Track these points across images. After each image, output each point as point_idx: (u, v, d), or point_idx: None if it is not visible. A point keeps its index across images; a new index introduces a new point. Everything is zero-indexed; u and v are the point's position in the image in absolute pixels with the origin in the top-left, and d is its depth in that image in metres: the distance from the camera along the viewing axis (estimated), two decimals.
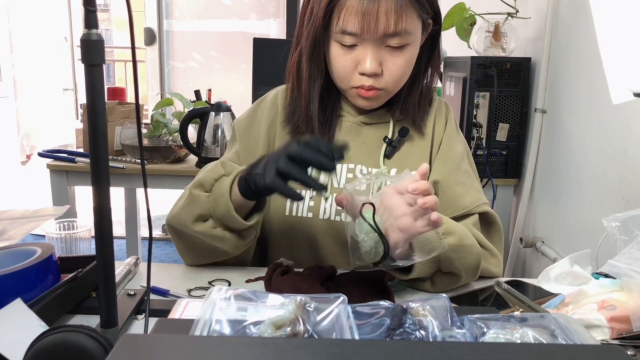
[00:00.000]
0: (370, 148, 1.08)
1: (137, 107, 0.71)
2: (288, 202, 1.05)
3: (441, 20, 1.04)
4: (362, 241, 0.83)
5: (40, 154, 2.09)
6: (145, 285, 0.76)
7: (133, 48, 0.66)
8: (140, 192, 2.80)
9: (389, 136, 1.08)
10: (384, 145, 1.07)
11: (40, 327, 0.67)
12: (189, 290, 0.92)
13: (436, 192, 1.05)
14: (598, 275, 0.85)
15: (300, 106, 1.06)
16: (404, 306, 0.57)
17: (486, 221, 1.05)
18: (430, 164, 1.08)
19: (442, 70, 2.29)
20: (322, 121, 1.06)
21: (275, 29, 3.76)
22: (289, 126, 1.08)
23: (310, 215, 1.04)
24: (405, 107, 1.07)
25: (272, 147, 1.10)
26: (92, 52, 0.63)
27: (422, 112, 1.09)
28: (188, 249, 1.02)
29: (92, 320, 0.73)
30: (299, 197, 0.85)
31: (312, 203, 1.04)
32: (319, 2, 0.95)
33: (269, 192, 0.88)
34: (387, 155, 1.07)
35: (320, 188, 0.82)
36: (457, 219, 1.01)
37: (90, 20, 0.63)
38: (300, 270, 0.96)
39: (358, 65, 0.98)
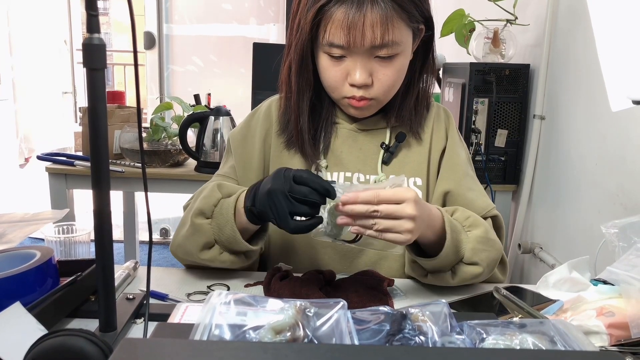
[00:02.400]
0: (367, 155, 1.07)
1: (139, 110, 0.71)
2: None
3: (433, 26, 1.03)
4: (325, 219, 0.88)
5: (39, 157, 2.09)
6: (144, 290, 0.76)
7: (135, 52, 0.66)
8: (138, 196, 2.79)
9: (386, 142, 1.08)
10: (381, 151, 1.07)
11: (39, 330, 0.66)
12: (188, 295, 0.92)
13: (447, 201, 1.06)
14: (596, 281, 0.85)
15: (291, 120, 1.06)
16: (404, 312, 0.58)
17: (496, 225, 1.06)
18: (427, 170, 1.08)
19: (440, 76, 2.30)
20: (319, 129, 1.07)
21: (275, 33, 3.77)
22: (284, 136, 1.08)
23: None
24: (401, 114, 1.07)
25: (267, 157, 1.10)
26: (94, 56, 0.64)
27: (418, 118, 1.09)
28: (198, 268, 1.04)
29: (91, 324, 0.73)
30: (319, 223, 0.86)
31: None
32: (305, 15, 0.95)
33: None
34: (385, 162, 1.07)
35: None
36: None
37: (92, 24, 0.63)
38: (299, 275, 0.96)
39: (348, 77, 0.97)
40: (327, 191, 0.83)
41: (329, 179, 1.06)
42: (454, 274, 0.95)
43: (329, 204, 0.87)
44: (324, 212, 0.90)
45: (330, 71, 0.98)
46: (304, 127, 1.04)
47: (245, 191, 0.94)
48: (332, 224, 0.90)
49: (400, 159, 1.08)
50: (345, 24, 0.90)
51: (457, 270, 0.94)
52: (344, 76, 0.98)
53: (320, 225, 0.86)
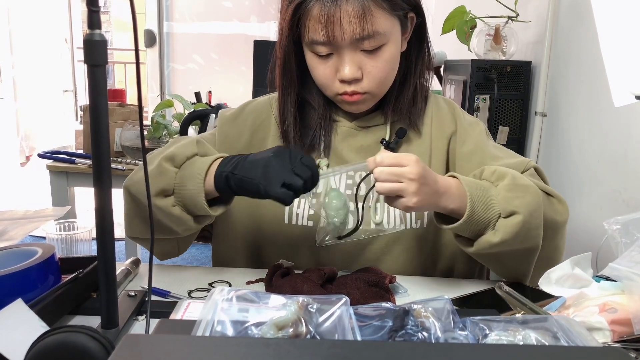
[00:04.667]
0: (368, 152, 1.06)
1: (140, 109, 0.71)
2: (287, 210, 1.05)
3: (423, 12, 1.01)
4: (331, 218, 0.92)
5: (40, 155, 2.09)
6: (146, 287, 0.76)
7: (137, 50, 0.66)
8: None
9: (386, 138, 1.06)
10: (382, 148, 1.07)
11: (41, 327, 0.66)
12: (190, 292, 0.92)
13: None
14: (599, 278, 0.85)
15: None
16: (406, 308, 0.57)
17: (539, 175, 1.03)
18: (429, 164, 1.06)
19: (442, 72, 2.30)
20: (318, 128, 1.06)
21: (275, 31, 3.76)
22: (280, 134, 1.07)
23: (310, 224, 1.03)
24: (398, 107, 1.05)
25: (255, 146, 1.08)
26: (95, 52, 0.63)
27: (417, 110, 1.07)
28: (137, 217, 0.98)
29: (93, 321, 0.73)
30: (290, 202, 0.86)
31: (311, 212, 1.03)
32: (283, 16, 0.94)
33: (258, 197, 0.87)
34: None
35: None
36: None
37: (93, 20, 0.63)
38: (301, 272, 0.95)
39: (337, 73, 0.96)
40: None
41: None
42: (495, 232, 0.90)
43: (326, 198, 0.88)
44: (322, 214, 0.93)
45: (319, 69, 0.98)
46: (289, 129, 1.04)
47: (222, 157, 0.92)
48: (332, 221, 0.91)
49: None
50: (322, 19, 0.90)
51: (497, 226, 0.89)
52: (334, 73, 0.97)
53: (322, 227, 0.89)
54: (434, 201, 0.88)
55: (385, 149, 1.05)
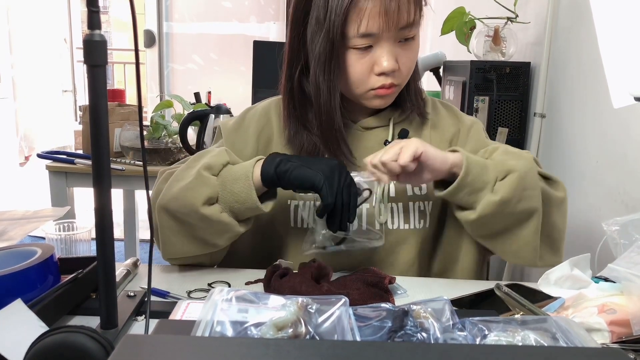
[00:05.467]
0: (372, 153, 1.07)
1: (140, 109, 0.71)
2: (292, 213, 1.05)
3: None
4: (319, 231, 0.95)
5: (39, 155, 2.09)
6: (145, 287, 0.76)
7: (136, 50, 0.66)
8: (138, 194, 2.79)
9: (389, 140, 1.07)
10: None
11: (40, 327, 0.66)
12: (189, 292, 0.92)
13: None
14: (598, 279, 0.85)
15: (317, 125, 1.03)
16: (406, 308, 0.58)
17: (538, 166, 1.05)
18: None
19: (441, 74, 2.30)
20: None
21: (275, 31, 3.77)
22: (292, 147, 1.06)
23: None
24: (409, 99, 1.08)
25: (261, 154, 1.07)
26: (95, 52, 0.63)
27: (421, 101, 1.10)
28: (179, 235, 0.97)
29: (92, 322, 0.73)
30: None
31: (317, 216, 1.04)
32: (333, 10, 0.93)
33: (307, 190, 0.93)
34: None
35: (343, 229, 0.93)
36: None
37: (93, 20, 0.63)
38: (296, 271, 0.96)
39: (375, 66, 0.97)
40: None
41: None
42: (495, 192, 0.93)
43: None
44: (315, 227, 0.95)
45: (357, 66, 0.98)
46: (339, 127, 1.02)
47: (261, 158, 0.96)
48: (323, 234, 0.94)
49: None
50: (381, 10, 0.92)
51: (496, 188, 0.94)
52: (370, 68, 0.98)
53: (315, 239, 0.95)
54: (438, 152, 0.93)
55: None
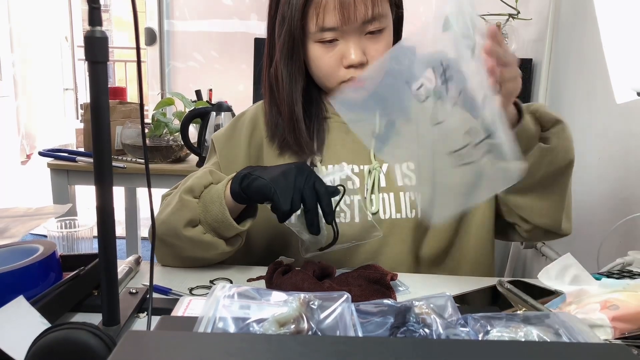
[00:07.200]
0: (360, 146, 1.07)
1: (141, 106, 0.71)
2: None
3: (402, 4, 1.05)
4: (304, 234, 0.93)
5: (41, 153, 2.09)
6: (147, 284, 0.76)
7: (138, 48, 0.66)
8: (140, 191, 2.79)
9: (377, 131, 1.07)
10: (374, 141, 1.07)
11: (42, 324, 0.66)
12: (191, 289, 0.92)
13: None
14: (599, 275, 0.85)
15: (283, 117, 1.06)
16: (408, 304, 0.57)
17: None
18: (419, 153, 1.07)
19: None
20: (309, 126, 1.06)
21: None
22: (274, 141, 1.08)
23: None
24: None
25: (254, 162, 1.09)
26: (96, 49, 0.63)
27: None
28: (168, 256, 1.01)
29: (94, 319, 0.73)
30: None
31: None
32: (293, 6, 0.96)
33: (264, 201, 0.90)
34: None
35: (317, 233, 0.90)
36: None
37: (94, 17, 0.62)
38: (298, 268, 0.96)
39: (343, 59, 0.98)
40: (325, 214, 0.88)
41: (324, 173, 1.06)
42: (550, 137, 0.94)
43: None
44: (301, 233, 0.93)
45: (324, 59, 0.99)
46: (299, 117, 1.04)
47: (233, 175, 0.95)
48: (308, 238, 0.93)
49: (391, 145, 1.07)
50: (337, 3, 0.93)
51: (550, 133, 0.95)
52: (339, 60, 0.99)
53: (305, 243, 0.93)
54: None
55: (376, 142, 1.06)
